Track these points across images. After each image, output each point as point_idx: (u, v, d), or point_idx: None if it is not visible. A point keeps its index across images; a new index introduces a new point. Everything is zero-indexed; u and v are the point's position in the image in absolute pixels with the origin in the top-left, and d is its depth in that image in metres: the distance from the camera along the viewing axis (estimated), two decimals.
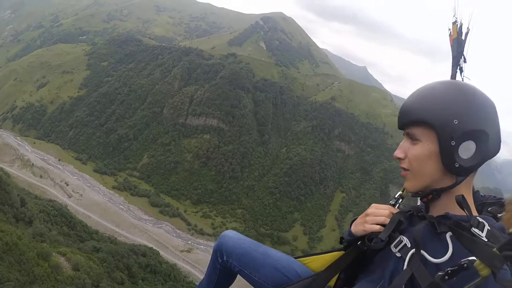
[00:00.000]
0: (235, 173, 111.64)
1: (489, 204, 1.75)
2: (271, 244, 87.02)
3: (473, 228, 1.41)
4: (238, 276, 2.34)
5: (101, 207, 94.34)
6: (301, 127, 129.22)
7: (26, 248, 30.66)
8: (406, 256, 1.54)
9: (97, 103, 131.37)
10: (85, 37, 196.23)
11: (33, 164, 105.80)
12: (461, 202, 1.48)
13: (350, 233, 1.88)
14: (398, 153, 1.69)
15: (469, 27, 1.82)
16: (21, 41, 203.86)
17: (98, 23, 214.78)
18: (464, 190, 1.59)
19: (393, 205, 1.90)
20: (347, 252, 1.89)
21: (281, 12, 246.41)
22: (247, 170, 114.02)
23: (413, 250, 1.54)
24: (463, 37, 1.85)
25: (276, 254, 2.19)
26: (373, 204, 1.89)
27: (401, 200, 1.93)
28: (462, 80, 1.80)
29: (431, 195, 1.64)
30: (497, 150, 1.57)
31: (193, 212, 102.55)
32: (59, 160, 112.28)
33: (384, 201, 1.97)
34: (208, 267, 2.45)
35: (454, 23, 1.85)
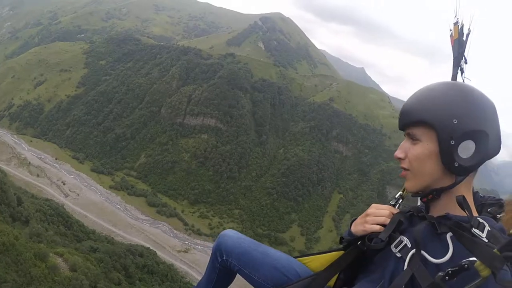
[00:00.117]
0: (232, 173, 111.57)
1: (489, 205, 1.77)
2: (269, 244, 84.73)
3: (473, 229, 1.42)
4: (237, 276, 2.33)
5: (98, 206, 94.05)
6: (299, 128, 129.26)
7: (23, 248, 30.53)
8: (407, 257, 1.55)
9: (95, 102, 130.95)
10: (83, 35, 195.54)
11: (30, 163, 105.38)
12: (462, 203, 1.49)
13: (350, 233, 1.88)
14: (398, 153, 1.70)
15: (470, 28, 1.82)
16: (19, 38, 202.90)
17: (97, 21, 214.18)
18: (464, 190, 1.60)
19: (393, 205, 1.90)
20: (347, 252, 1.89)
21: (279, 13, 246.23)
22: (244, 170, 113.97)
23: (414, 250, 1.54)
24: (464, 38, 1.85)
25: (276, 254, 2.19)
26: (373, 204, 1.89)
27: (401, 200, 1.93)
28: (463, 81, 1.81)
29: (431, 195, 1.64)
30: (497, 150, 1.59)
31: (191, 212, 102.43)
32: (56, 159, 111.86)
33: (381, 203, 1.97)
34: (207, 266, 2.43)
35: (456, 23, 1.86)
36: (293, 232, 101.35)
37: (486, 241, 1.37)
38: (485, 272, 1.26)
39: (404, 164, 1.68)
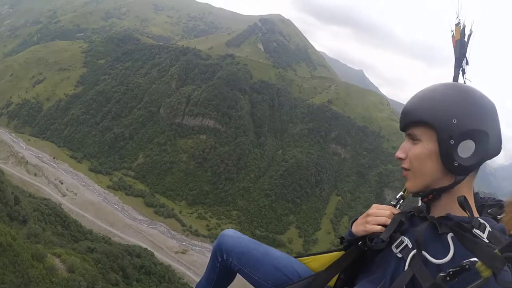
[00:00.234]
0: (230, 174, 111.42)
1: (489, 206, 1.79)
2: None
3: (474, 230, 1.43)
4: (237, 276, 2.33)
5: (95, 206, 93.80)
6: (298, 130, 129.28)
7: (20, 249, 30.32)
8: (408, 257, 1.55)
9: (93, 101, 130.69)
10: (82, 34, 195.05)
11: (27, 162, 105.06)
12: (463, 203, 1.49)
13: (350, 233, 1.88)
14: (399, 153, 1.71)
15: (472, 29, 1.83)
16: (18, 36, 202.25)
17: (96, 20, 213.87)
18: (465, 190, 1.61)
19: (394, 206, 1.90)
20: (347, 252, 1.89)
21: (279, 14, 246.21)
22: (243, 171, 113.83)
23: (415, 251, 1.54)
24: (466, 39, 1.86)
25: (276, 253, 2.18)
26: (374, 205, 1.89)
27: (402, 200, 1.94)
28: (464, 82, 1.81)
29: (431, 195, 1.65)
30: (497, 150, 1.59)
31: (188, 213, 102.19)
32: (53, 158, 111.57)
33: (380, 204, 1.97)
34: (207, 266, 2.41)
35: (457, 24, 1.87)
36: (291, 234, 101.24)
37: (487, 241, 1.37)
38: (486, 272, 1.26)
39: (405, 164, 1.69)
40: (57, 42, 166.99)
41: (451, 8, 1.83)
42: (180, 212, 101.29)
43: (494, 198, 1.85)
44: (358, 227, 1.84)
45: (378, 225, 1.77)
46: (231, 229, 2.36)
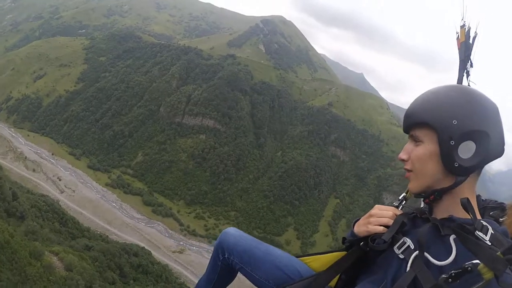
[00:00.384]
0: (229, 174, 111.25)
1: (491, 208, 1.79)
2: None
3: (477, 232, 1.43)
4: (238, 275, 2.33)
5: (93, 204, 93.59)
6: (297, 132, 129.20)
7: (18, 246, 30.05)
8: (410, 258, 1.55)
9: (93, 98, 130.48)
10: (84, 31, 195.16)
11: (26, 157, 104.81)
12: (466, 205, 1.49)
13: (352, 233, 1.88)
14: (402, 155, 1.72)
15: (477, 32, 1.83)
16: (20, 31, 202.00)
17: (98, 17, 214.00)
18: (467, 192, 1.61)
19: (397, 207, 1.91)
20: (349, 253, 1.90)
21: (281, 16, 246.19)
22: (242, 172, 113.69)
23: (417, 252, 1.55)
24: (470, 41, 1.86)
25: (278, 252, 2.20)
26: (377, 205, 1.89)
27: (404, 202, 1.94)
28: (468, 85, 1.81)
29: (432, 195, 1.66)
30: (500, 152, 1.59)
31: (186, 212, 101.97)
32: (52, 154, 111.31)
33: None
34: (208, 264, 2.40)
35: (462, 26, 1.86)
36: (289, 235, 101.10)
37: (490, 244, 1.38)
38: (488, 275, 1.26)
39: (407, 166, 1.70)
40: (59, 38, 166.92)
41: (455, 10, 1.83)
42: (178, 212, 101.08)
43: (496, 201, 1.85)
44: (360, 228, 1.84)
45: (380, 226, 1.77)
46: (233, 228, 2.38)
